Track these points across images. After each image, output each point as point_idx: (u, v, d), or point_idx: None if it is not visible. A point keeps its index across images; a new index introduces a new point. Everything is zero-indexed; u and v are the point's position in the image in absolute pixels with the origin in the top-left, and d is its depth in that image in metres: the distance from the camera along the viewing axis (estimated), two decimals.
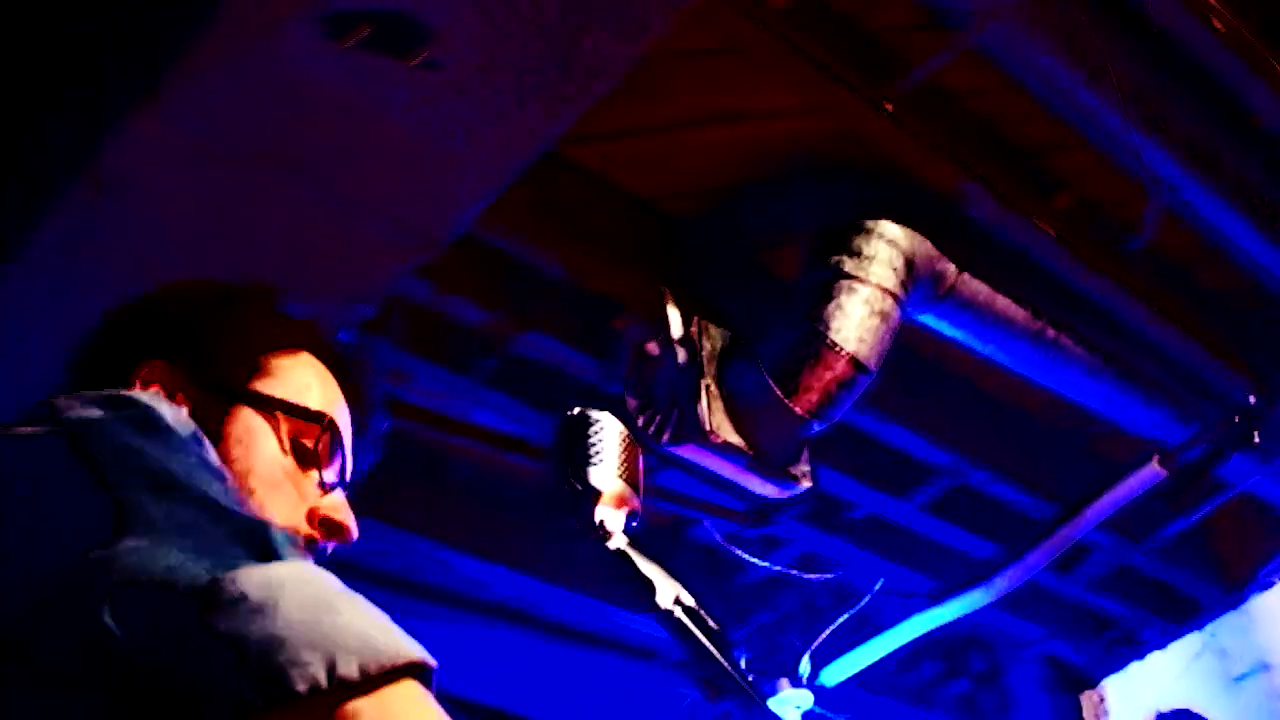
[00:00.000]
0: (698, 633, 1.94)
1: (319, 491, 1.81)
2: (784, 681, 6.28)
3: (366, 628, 1.28)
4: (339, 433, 1.85)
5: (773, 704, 6.25)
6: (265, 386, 1.81)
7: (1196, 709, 6.56)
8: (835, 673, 6.51)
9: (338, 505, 1.83)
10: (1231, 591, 6.75)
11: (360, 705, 1.24)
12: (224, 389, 1.77)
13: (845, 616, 6.22)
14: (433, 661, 1.32)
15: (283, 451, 1.77)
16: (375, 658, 1.25)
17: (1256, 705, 6.51)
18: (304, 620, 1.25)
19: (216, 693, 1.22)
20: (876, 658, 6.48)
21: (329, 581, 1.33)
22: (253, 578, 1.27)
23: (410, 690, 1.29)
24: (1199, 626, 6.86)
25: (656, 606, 1.94)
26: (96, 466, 1.38)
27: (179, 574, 1.27)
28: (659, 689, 6.54)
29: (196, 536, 1.32)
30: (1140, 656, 7.02)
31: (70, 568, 1.29)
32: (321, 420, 1.82)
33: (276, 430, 1.78)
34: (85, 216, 3.57)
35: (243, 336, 1.85)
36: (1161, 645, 6.95)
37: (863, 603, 6.17)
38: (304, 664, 1.22)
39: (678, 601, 1.95)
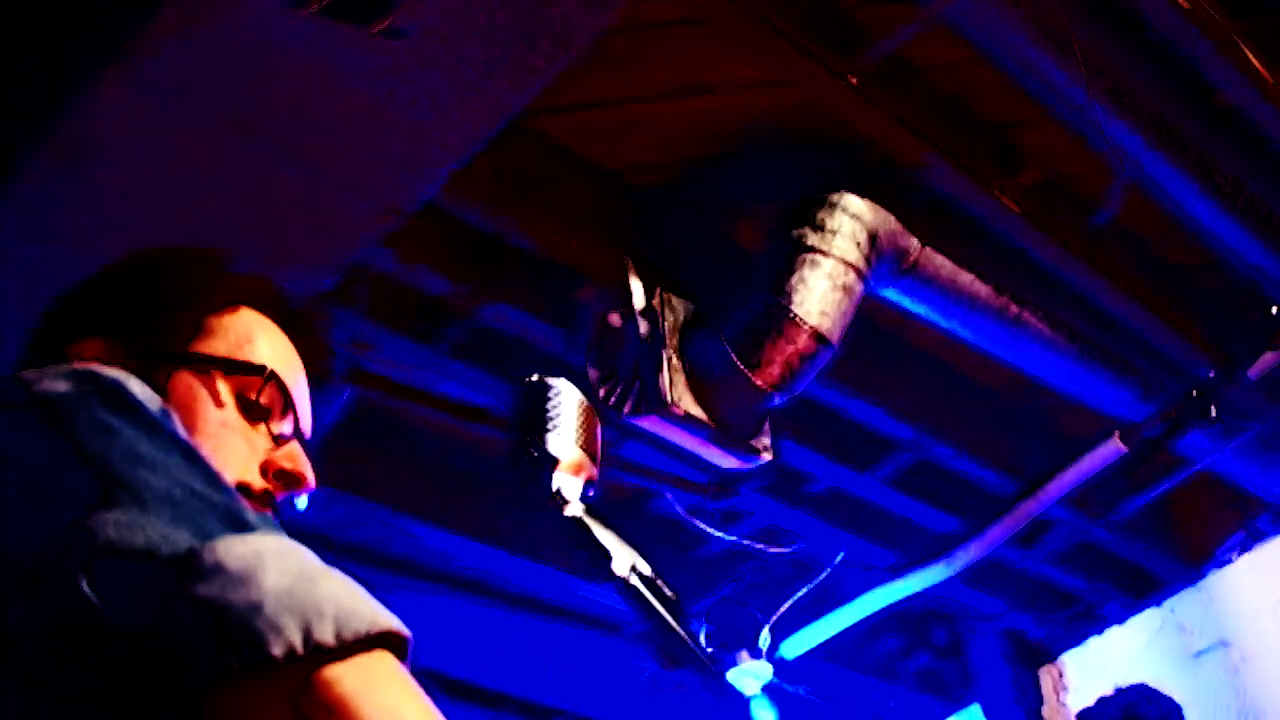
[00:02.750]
0: (654, 601, 1.95)
1: (271, 444, 1.80)
2: (744, 654, 6.29)
3: (343, 597, 1.30)
4: (284, 383, 1.84)
5: (732, 676, 6.27)
6: (203, 346, 1.80)
7: (1155, 684, 6.60)
8: (795, 645, 6.53)
9: (292, 454, 1.82)
10: (1191, 568, 6.79)
11: (336, 671, 1.26)
12: (156, 355, 1.76)
13: (806, 589, 6.23)
14: (407, 633, 1.35)
15: (226, 407, 1.76)
16: (351, 625, 1.27)
17: (1215, 681, 6.54)
18: (282, 588, 1.26)
19: (195, 659, 1.23)
20: (837, 630, 6.50)
21: (307, 554, 1.35)
22: (233, 547, 1.29)
23: (385, 660, 1.31)
24: (1158, 602, 6.89)
25: (612, 574, 1.95)
26: (75, 441, 1.38)
27: (159, 544, 1.28)
28: (620, 661, 6.56)
29: (175, 508, 1.33)
30: (1100, 631, 7.05)
31: (45, 542, 1.30)
32: (262, 372, 1.80)
33: (217, 388, 1.77)
34: (48, 185, 3.55)
35: (182, 300, 1.84)
36: (1121, 620, 6.99)
37: (823, 575, 6.19)
38: (281, 629, 1.23)
39: (634, 569, 1.96)
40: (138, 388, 1.50)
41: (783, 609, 6.29)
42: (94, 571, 1.26)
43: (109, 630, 1.25)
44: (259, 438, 1.79)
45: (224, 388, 1.77)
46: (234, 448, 1.74)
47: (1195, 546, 6.82)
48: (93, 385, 1.48)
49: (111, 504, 1.31)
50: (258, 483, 1.76)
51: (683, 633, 1.94)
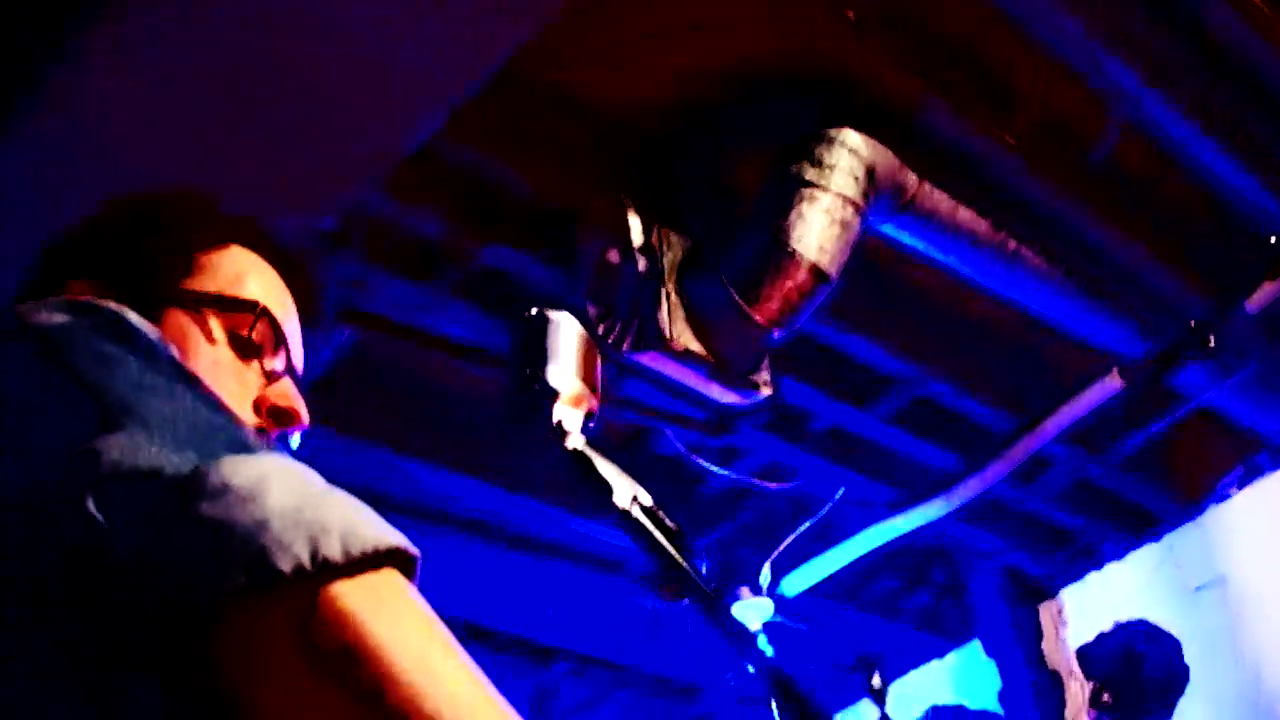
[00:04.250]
0: (656, 532, 1.93)
1: (264, 381, 1.79)
2: (744, 590, 6.32)
3: (351, 514, 1.29)
4: (275, 319, 1.82)
5: (733, 612, 6.28)
6: (195, 284, 1.79)
7: (1154, 620, 6.63)
8: (796, 582, 6.55)
9: (285, 392, 1.81)
10: (1189, 504, 6.81)
11: (343, 588, 1.25)
12: (147, 295, 1.74)
13: (806, 526, 6.26)
14: (416, 551, 1.33)
15: (218, 345, 1.76)
16: (359, 542, 1.26)
17: (1213, 617, 6.57)
18: (288, 505, 1.26)
19: (200, 580, 1.22)
20: (837, 567, 6.52)
21: (311, 474, 1.34)
22: (238, 467, 1.28)
23: (393, 577, 1.30)
24: (1157, 538, 6.92)
25: (614, 507, 1.93)
26: (75, 370, 1.38)
27: (164, 465, 1.28)
28: (623, 600, 6.58)
29: (179, 432, 1.33)
30: (1099, 568, 7.08)
31: (46, 470, 1.30)
32: (253, 308, 1.79)
33: (209, 326, 1.76)
34: (43, 134, 3.55)
35: (172, 239, 1.84)
36: (1119, 557, 7.01)
37: (823, 512, 6.21)
38: (287, 545, 1.23)
39: (635, 501, 1.94)
40: (135, 318, 1.50)
41: (783, 546, 6.31)
42: (100, 493, 1.26)
43: (114, 555, 1.24)
44: (251, 375, 1.78)
45: (216, 325, 1.76)
46: (227, 385, 1.73)
47: (1193, 483, 6.84)
48: (91, 315, 1.48)
49: (115, 428, 1.30)
50: (251, 420, 1.76)
51: (686, 565, 1.92)
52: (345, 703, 1.23)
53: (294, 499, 1.27)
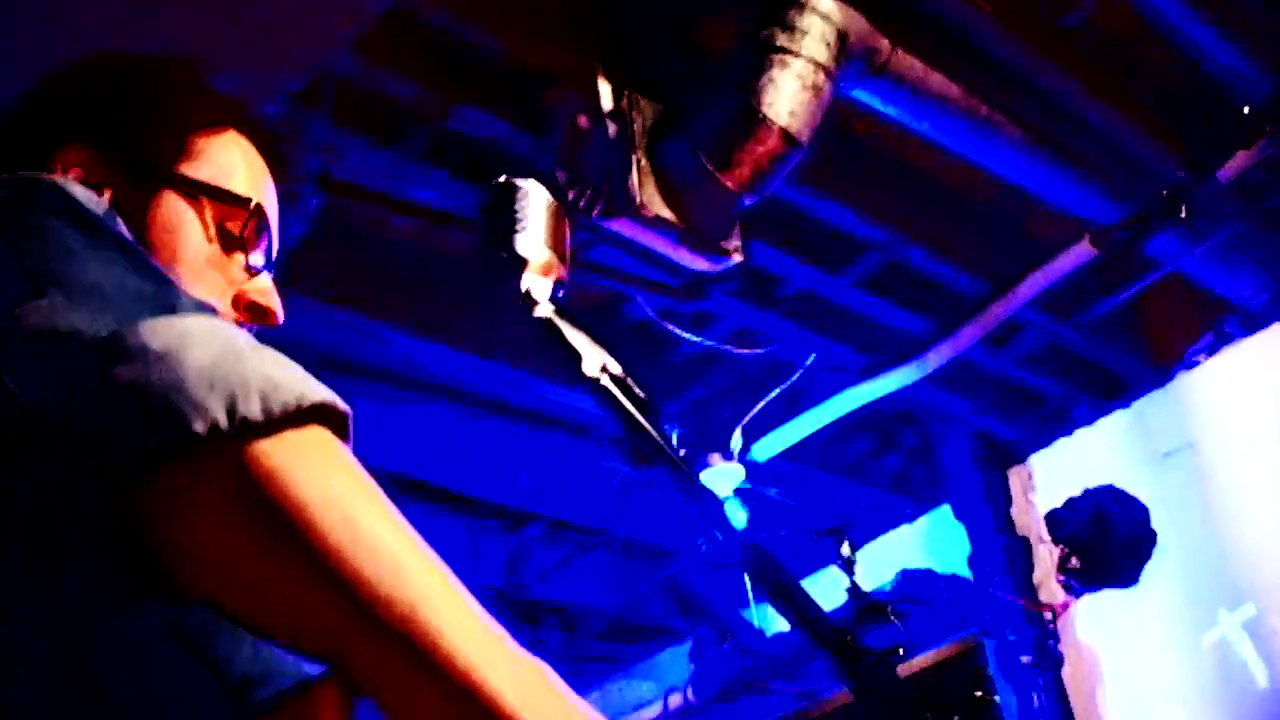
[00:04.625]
0: (625, 401, 1.94)
1: (245, 275, 1.77)
2: (715, 456, 6.34)
3: (273, 371, 1.25)
4: (265, 216, 1.80)
5: (704, 478, 6.32)
6: (191, 170, 1.75)
7: (1123, 486, 6.68)
8: (766, 447, 6.58)
9: (264, 289, 1.79)
10: (1159, 370, 6.83)
11: (265, 446, 1.21)
12: (149, 173, 1.72)
13: (777, 391, 6.27)
14: (345, 408, 1.30)
15: (208, 237, 1.73)
16: (280, 398, 1.23)
17: (1182, 483, 6.61)
18: (204, 364, 1.22)
19: (118, 444, 1.20)
20: (808, 433, 6.55)
21: (237, 332, 1.30)
22: (157, 328, 1.25)
23: (319, 434, 1.27)
24: (1127, 404, 6.95)
25: (583, 375, 1.93)
26: (7, 243, 1.36)
27: (82, 328, 1.25)
28: (591, 465, 6.61)
29: (104, 298, 1.30)
30: (1069, 433, 7.11)
31: None
32: (248, 205, 1.77)
33: (202, 215, 1.73)
34: None
35: (167, 116, 1.80)
36: (1090, 422, 7.04)
37: (794, 378, 6.22)
38: (203, 405, 1.19)
39: (604, 370, 1.94)
40: (80, 191, 1.47)
41: (754, 411, 6.33)
42: (15, 357, 1.24)
43: (32, 422, 1.22)
44: (234, 268, 1.76)
45: (208, 214, 1.73)
46: (209, 276, 1.72)
47: (1163, 349, 6.86)
48: (29, 189, 1.46)
49: (38, 296, 1.28)
50: (229, 314, 1.74)
51: (654, 433, 1.92)
52: (272, 564, 1.21)
53: (212, 358, 1.23)
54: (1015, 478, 7.23)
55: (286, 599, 1.22)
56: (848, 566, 3.66)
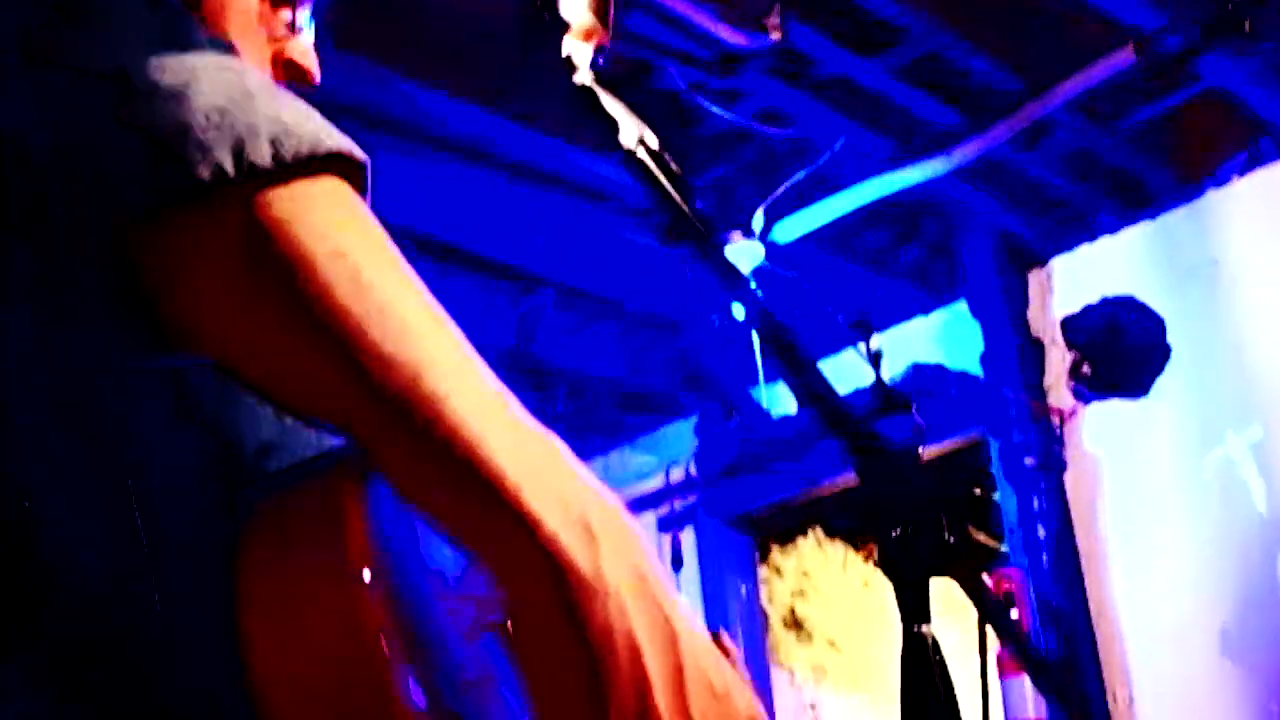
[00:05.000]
0: (659, 174, 1.92)
1: (287, 33, 1.72)
2: (736, 234, 6.30)
3: (286, 116, 1.19)
4: None
5: (725, 255, 6.28)
6: None
7: (1141, 298, 6.66)
8: (788, 229, 6.54)
9: (304, 50, 1.75)
10: (1189, 184, 6.76)
11: (274, 195, 1.17)
12: None
13: (802, 174, 6.21)
14: (363, 157, 1.25)
15: None
16: (292, 144, 1.18)
17: (1201, 299, 6.58)
18: (214, 105, 1.16)
19: (122, 187, 1.15)
20: (830, 218, 6.50)
21: (251, 73, 1.24)
22: (168, 64, 1.18)
23: (333, 184, 1.22)
24: (1153, 216, 6.88)
25: (619, 145, 1.91)
26: None
27: (90, 58, 1.19)
28: (610, 233, 6.57)
29: (113, 26, 1.23)
30: (1092, 239, 7.06)
31: None
32: None
33: None
34: None
35: None
36: (1114, 231, 6.98)
37: (821, 161, 6.16)
38: (209, 148, 1.14)
39: (641, 141, 1.93)
40: None
41: (778, 192, 6.28)
42: (15, 88, 1.19)
43: (35, 155, 1.17)
44: (278, 24, 1.72)
45: None
46: (252, 31, 1.66)
47: (1196, 163, 6.78)
48: None
49: (44, 23, 1.22)
50: (268, 70, 1.69)
51: (685, 208, 1.93)
52: (276, 320, 1.17)
53: (222, 99, 1.17)
54: (1034, 280, 7.20)
55: (290, 358, 1.18)
56: (874, 361, 3.63)
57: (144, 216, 1.15)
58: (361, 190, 1.25)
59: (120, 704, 1.21)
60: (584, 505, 1.18)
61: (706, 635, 1.24)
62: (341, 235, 1.19)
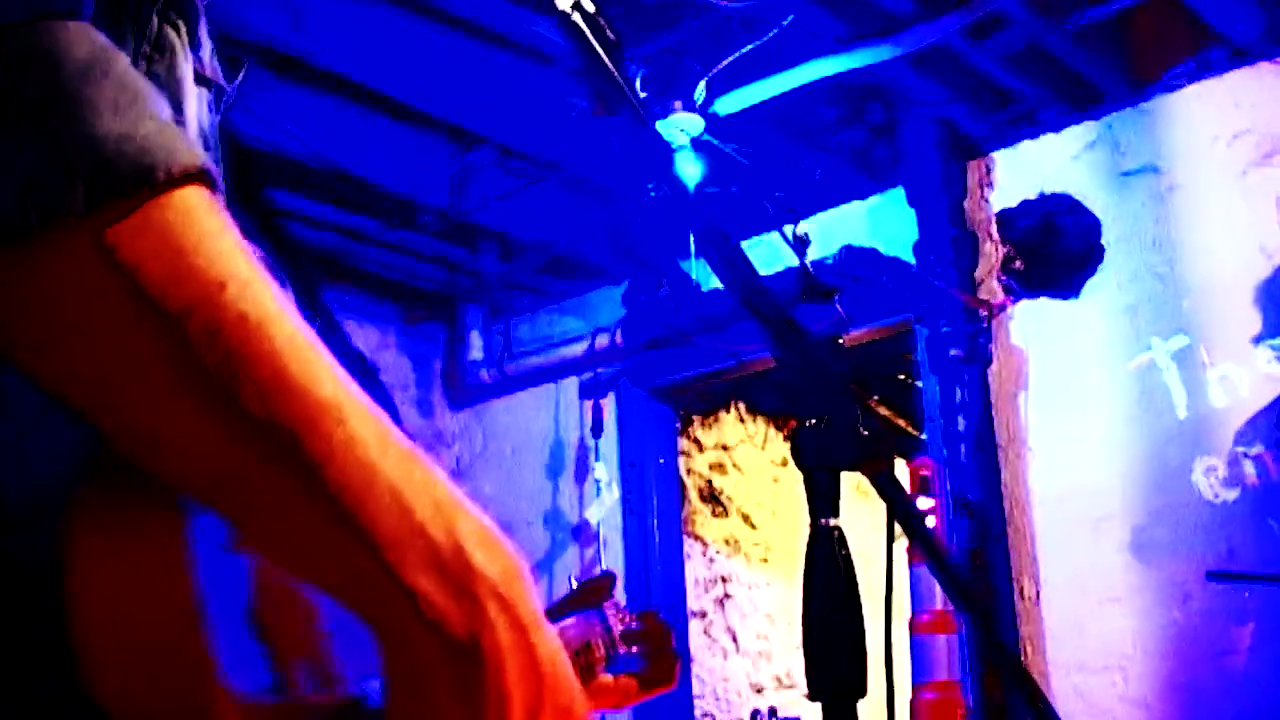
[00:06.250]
0: (593, 40, 1.88)
1: None
2: (677, 104, 6.24)
3: (124, 129, 1.06)
4: None
5: (662, 125, 6.24)
6: None
7: (1079, 197, 6.65)
8: (730, 103, 6.47)
9: None
10: (1136, 88, 6.73)
11: (132, 224, 1.05)
12: None
13: (750, 47, 6.13)
14: (211, 166, 1.12)
15: None
16: (158, 159, 1.06)
17: (1139, 203, 6.58)
18: (51, 126, 1.03)
19: None
20: (773, 94, 6.43)
21: (88, 62, 1.08)
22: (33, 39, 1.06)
23: (195, 201, 1.10)
24: (1097, 116, 6.86)
25: (554, 7, 1.87)
26: None
27: None
28: (551, 94, 6.49)
29: None
30: (1034, 136, 7.03)
31: None
32: None
33: None
34: None
35: None
36: (1057, 129, 6.96)
37: (769, 36, 6.08)
38: (74, 171, 1.03)
39: (576, 5, 1.88)
40: None
41: (723, 64, 6.21)
42: None
43: None
44: None
45: None
46: None
47: (1145, 67, 6.75)
48: None
49: None
50: None
51: (619, 77, 1.88)
52: (138, 361, 1.06)
53: (58, 110, 1.04)
54: (974, 171, 7.18)
55: (146, 407, 1.08)
56: (799, 247, 3.59)
57: None
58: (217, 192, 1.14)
59: None
60: (465, 566, 1.15)
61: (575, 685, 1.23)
62: (207, 268, 1.08)
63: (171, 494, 1.15)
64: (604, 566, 8.27)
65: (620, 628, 2.34)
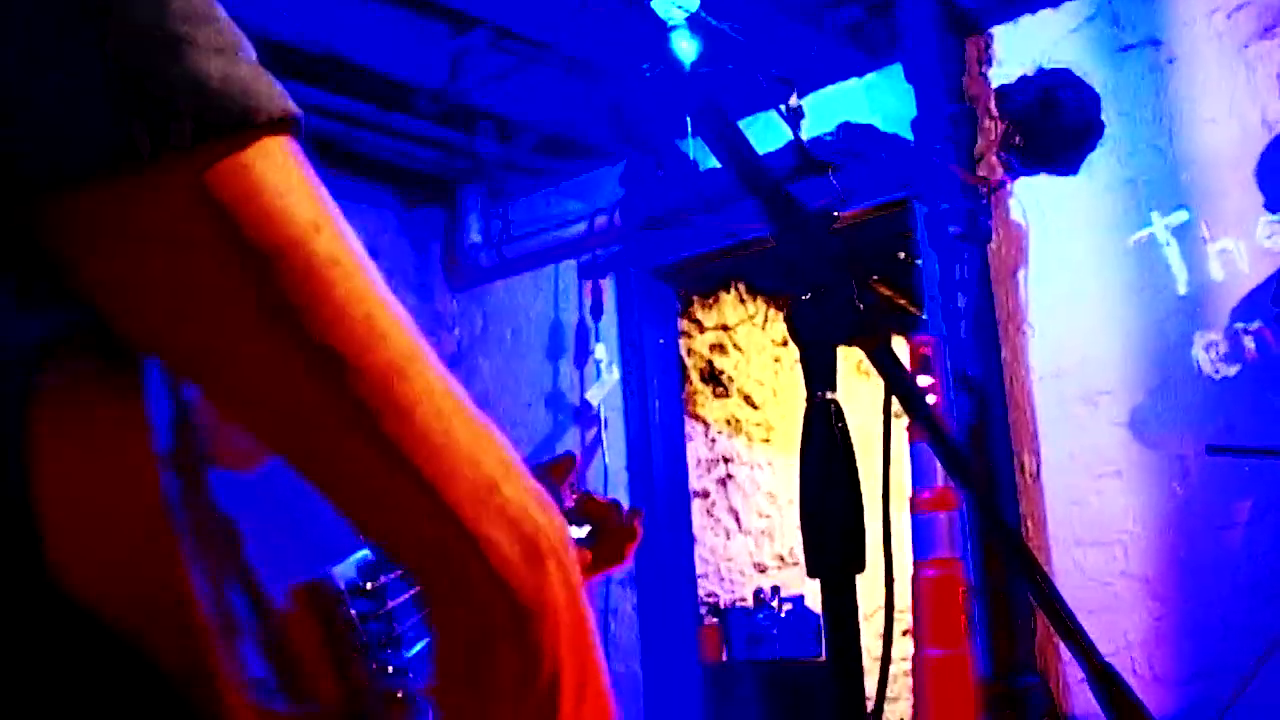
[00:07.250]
0: None
1: None
2: None
3: (210, 71, 1.06)
4: None
5: (658, 3, 6.16)
6: None
7: (1079, 72, 6.60)
8: None
9: None
10: None
11: (225, 166, 1.05)
12: None
13: None
14: (298, 112, 1.12)
15: None
16: (217, 115, 1.05)
17: (1138, 78, 6.53)
18: (131, 67, 1.03)
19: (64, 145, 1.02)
20: None
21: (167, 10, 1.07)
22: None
23: (277, 149, 1.10)
24: None
25: None
26: None
27: None
28: None
29: None
30: (1033, 11, 6.96)
31: None
32: None
33: None
34: None
35: None
36: (1055, 3, 6.89)
37: None
38: (177, 111, 1.03)
39: None
40: None
41: None
42: None
43: None
44: None
45: None
46: None
47: None
48: None
49: None
50: None
51: None
52: (230, 297, 1.06)
53: (140, 52, 1.04)
54: (972, 47, 7.12)
55: (237, 339, 1.09)
56: (793, 118, 3.57)
57: (42, 191, 1.02)
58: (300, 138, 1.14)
59: None
60: (533, 525, 1.18)
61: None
62: (302, 211, 1.09)
63: (133, 390, 1.14)
64: (606, 448, 8.30)
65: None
